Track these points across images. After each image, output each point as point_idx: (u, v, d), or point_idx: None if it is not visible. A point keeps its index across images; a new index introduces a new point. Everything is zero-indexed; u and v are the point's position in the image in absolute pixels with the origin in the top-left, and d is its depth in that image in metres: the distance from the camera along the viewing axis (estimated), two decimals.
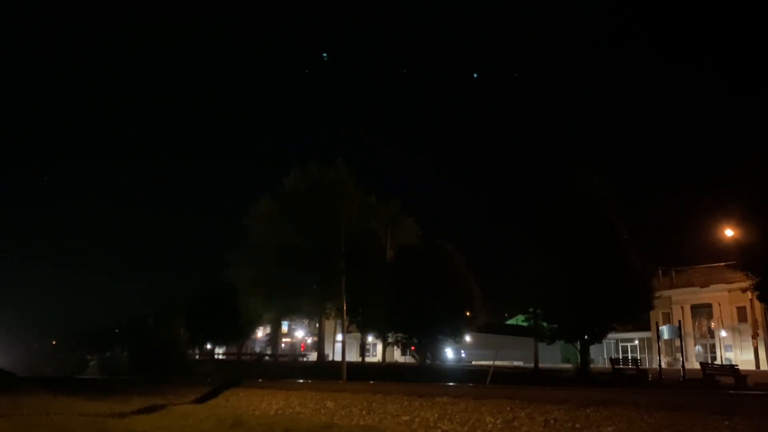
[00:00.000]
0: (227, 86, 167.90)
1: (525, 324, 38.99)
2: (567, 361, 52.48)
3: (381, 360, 53.33)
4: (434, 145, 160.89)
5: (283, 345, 71.12)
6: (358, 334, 52.46)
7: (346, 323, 41.92)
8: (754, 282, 25.56)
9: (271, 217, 49.99)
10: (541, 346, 35.12)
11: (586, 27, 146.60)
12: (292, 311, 52.87)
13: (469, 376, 32.36)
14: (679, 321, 45.19)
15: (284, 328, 70.74)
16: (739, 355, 44.29)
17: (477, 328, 44.59)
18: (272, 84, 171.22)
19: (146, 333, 71.65)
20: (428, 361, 38.75)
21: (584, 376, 29.60)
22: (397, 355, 59.30)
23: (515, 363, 46.15)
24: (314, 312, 51.28)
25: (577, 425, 14.99)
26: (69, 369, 78.73)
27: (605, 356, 54.08)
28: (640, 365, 35.04)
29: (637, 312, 32.04)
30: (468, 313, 38.65)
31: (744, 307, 44.29)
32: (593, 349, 37.38)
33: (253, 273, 49.32)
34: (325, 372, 40.24)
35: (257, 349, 76.11)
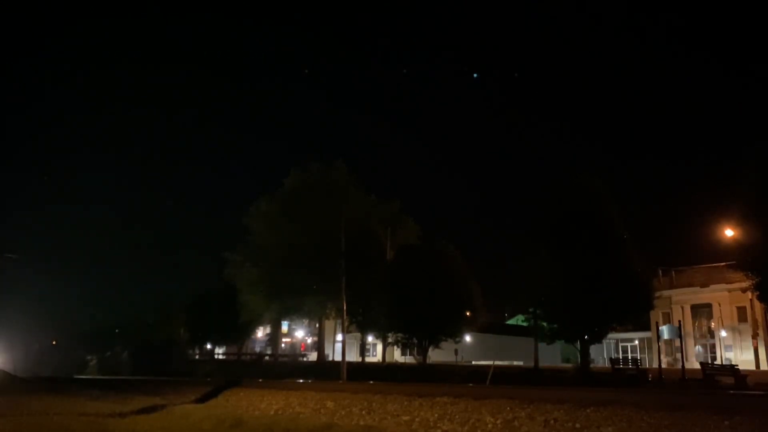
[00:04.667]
0: (227, 86, 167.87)
1: (525, 324, 38.98)
2: (567, 361, 52.47)
3: (381, 360, 53.34)
4: (434, 144, 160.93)
5: (283, 345, 71.10)
6: (358, 334, 52.47)
7: (346, 323, 41.92)
8: (754, 282, 25.53)
9: (271, 216, 49.93)
10: (541, 346, 35.11)
11: (585, 26, 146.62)
12: (293, 311, 52.84)
13: (469, 376, 32.37)
14: (679, 321, 45.20)
15: (284, 328, 70.71)
16: (739, 355, 44.26)
17: (477, 328, 44.60)
18: (272, 83, 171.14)
19: (146, 333, 71.65)
20: None
21: (584, 376, 29.60)
22: (397, 355, 59.31)
23: (515, 363, 46.15)
24: (314, 312, 51.25)
25: (577, 425, 15.00)
26: (69, 369, 78.64)
27: (605, 356, 54.05)
28: (640, 365, 35.00)
29: (637, 312, 32.06)
30: (468, 313, 38.63)
31: (744, 307, 44.27)
32: (593, 349, 37.37)
33: (253, 273, 49.31)
34: (325, 372, 40.26)
35: (257, 349, 76.09)
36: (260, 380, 33.74)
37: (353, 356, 53.71)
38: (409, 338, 38.86)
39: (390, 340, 42.08)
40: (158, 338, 67.37)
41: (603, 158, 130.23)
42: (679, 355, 39.03)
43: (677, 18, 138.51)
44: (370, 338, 54.30)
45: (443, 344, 38.89)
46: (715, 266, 45.11)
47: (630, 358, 49.76)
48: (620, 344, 56.86)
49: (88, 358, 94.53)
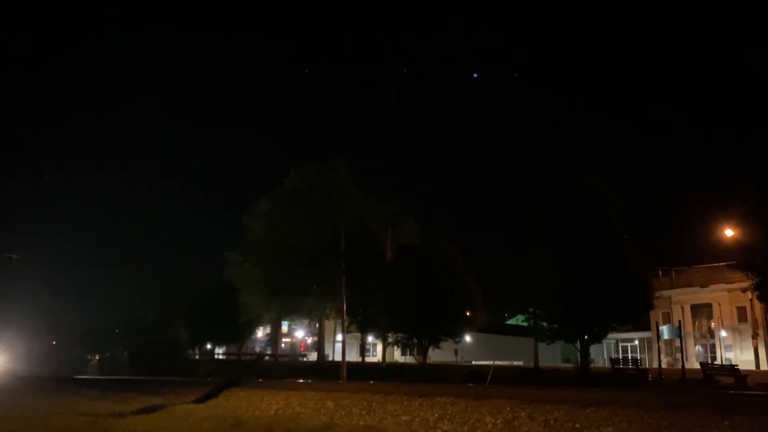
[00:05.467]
0: (227, 87, 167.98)
1: (525, 324, 38.92)
2: (567, 361, 52.45)
3: (381, 360, 53.30)
4: (434, 145, 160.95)
5: (283, 345, 71.08)
6: (358, 334, 52.41)
7: (346, 323, 41.89)
8: (754, 282, 25.49)
9: (271, 216, 49.94)
10: (541, 346, 35.08)
11: (586, 25, 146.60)
12: (293, 311, 52.82)
13: (469, 376, 32.36)
14: (679, 321, 45.18)
15: (284, 328, 70.68)
16: (739, 355, 44.25)
17: (477, 328, 44.59)
18: (272, 84, 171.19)
19: (146, 333, 71.62)
20: None
21: (584, 376, 29.58)
22: (397, 355, 59.27)
23: (515, 363, 46.13)
24: (314, 312, 51.25)
25: (577, 425, 15.02)
26: (69, 369, 78.71)
27: (605, 356, 54.06)
28: (640, 365, 35.01)
29: (637, 312, 32.00)
30: (468, 313, 38.60)
31: (744, 307, 44.23)
32: (593, 349, 37.35)
33: (253, 273, 49.30)
34: (325, 372, 40.26)
35: (257, 349, 76.09)
36: (260, 380, 33.77)
37: (353, 356, 53.66)
38: (409, 338, 38.84)
39: (390, 340, 42.04)
40: (158, 338, 67.29)
41: (603, 158, 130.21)
42: (679, 355, 39.03)
43: (676, 18, 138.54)
44: (370, 338, 54.26)
45: (443, 344, 38.87)
46: (715, 266, 45.09)
47: (630, 358, 49.78)
48: (620, 344, 56.85)
49: (88, 357, 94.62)
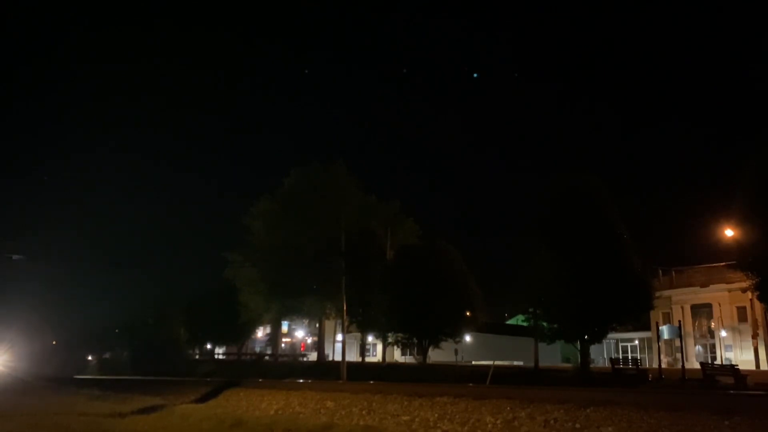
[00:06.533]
0: (226, 86, 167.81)
1: (525, 324, 38.95)
2: (567, 361, 52.45)
3: (381, 360, 53.34)
4: (434, 144, 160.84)
5: (283, 345, 71.11)
6: (358, 334, 52.45)
7: (346, 323, 41.90)
8: (754, 282, 25.49)
9: (271, 216, 49.98)
10: (541, 346, 35.10)
11: (586, 26, 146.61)
12: (292, 311, 52.86)
13: (469, 376, 32.37)
14: (679, 321, 45.18)
15: (284, 328, 70.74)
16: (739, 355, 44.27)
17: (477, 328, 44.60)
18: (272, 83, 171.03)
19: (146, 333, 71.57)
20: None
21: (584, 376, 29.59)
22: (397, 355, 59.27)
23: (515, 363, 46.14)
24: (314, 312, 51.27)
25: (577, 425, 15.03)
26: (69, 369, 78.69)
27: (605, 356, 54.07)
28: (640, 365, 35.02)
29: (637, 312, 32.02)
30: (468, 313, 38.61)
31: (744, 307, 44.25)
32: (593, 349, 37.35)
33: (253, 273, 49.33)
34: (325, 372, 40.26)
35: (257, 349, 76.11)
36: (260, 380, 33.78)
37: (353, 356, 53.68)
38: (409, 338, 38.86)
39: (390, 340, 42.06)
40: (158, 338, 67.28)
41: (603, 157, 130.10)
42: (679, 355, 39.04)
43: (676, 17, 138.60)
44: (370, 338, 54.29)
45: (443, 344, 38.88)
46: (715, 266, 45.10)
47: (630, 358, 49.82)
48: (620, 344, 56.86)
49: (88, 358, 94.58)
